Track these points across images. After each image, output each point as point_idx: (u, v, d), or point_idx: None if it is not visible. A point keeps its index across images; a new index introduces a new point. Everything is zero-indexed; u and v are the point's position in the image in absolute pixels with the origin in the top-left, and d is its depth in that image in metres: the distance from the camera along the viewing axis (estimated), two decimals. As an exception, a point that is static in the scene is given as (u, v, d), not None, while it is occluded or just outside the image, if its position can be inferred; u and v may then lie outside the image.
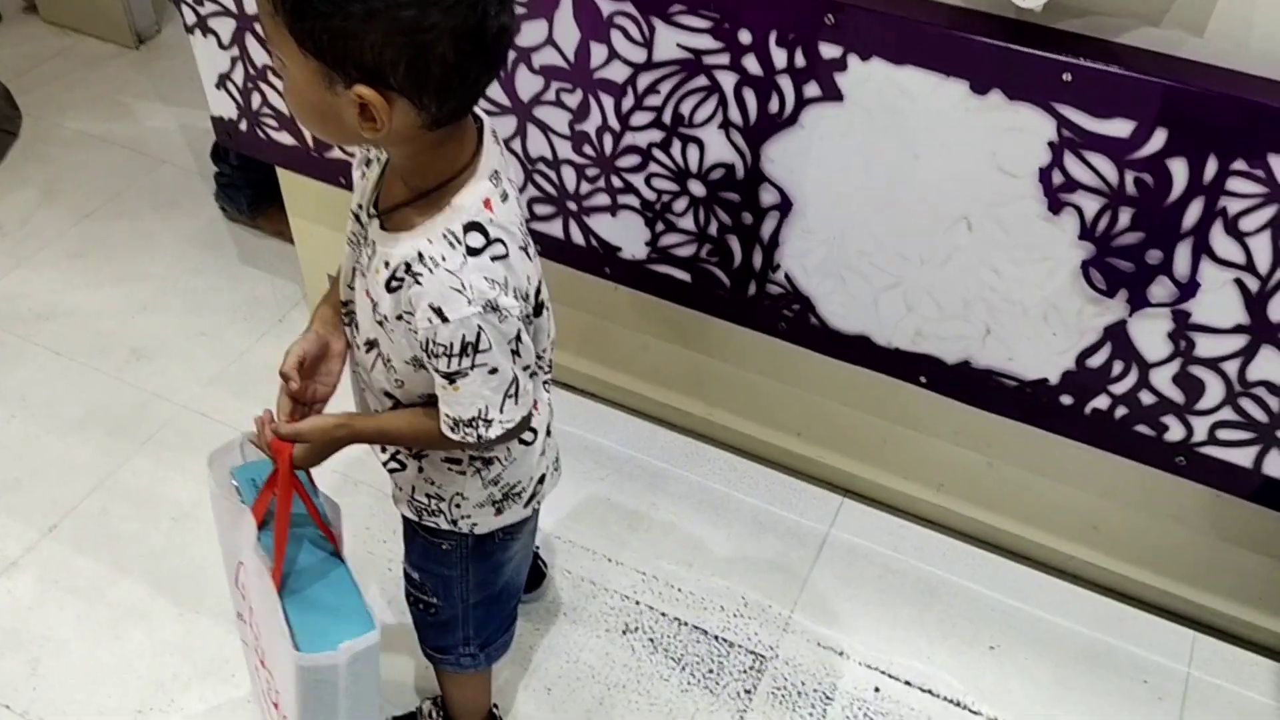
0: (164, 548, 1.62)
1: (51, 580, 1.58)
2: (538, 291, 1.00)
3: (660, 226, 1.41)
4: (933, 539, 1.70)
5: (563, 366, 1.82)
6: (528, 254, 0.96)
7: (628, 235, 1.44)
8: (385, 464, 1.12)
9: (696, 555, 1.66)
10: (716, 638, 1.56)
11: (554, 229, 1.49)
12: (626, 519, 1.70)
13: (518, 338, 0.93)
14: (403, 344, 0.96)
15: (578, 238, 1.48)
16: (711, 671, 1.52)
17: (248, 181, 2.06)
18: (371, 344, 1.01)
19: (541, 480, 1.14)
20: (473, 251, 0.89)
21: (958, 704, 1.50)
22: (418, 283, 0.89)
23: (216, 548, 1.38)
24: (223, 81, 1.58)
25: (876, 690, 1.51)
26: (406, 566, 1.22)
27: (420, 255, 0.89)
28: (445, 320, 0.89)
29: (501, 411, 0.95)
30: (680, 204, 1.38)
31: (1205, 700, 1.51)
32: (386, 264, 0.92)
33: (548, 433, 1.13)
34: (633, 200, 1.40)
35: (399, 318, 0.94)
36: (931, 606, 1.62)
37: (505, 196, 0.93)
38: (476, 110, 0.93)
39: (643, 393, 1.79)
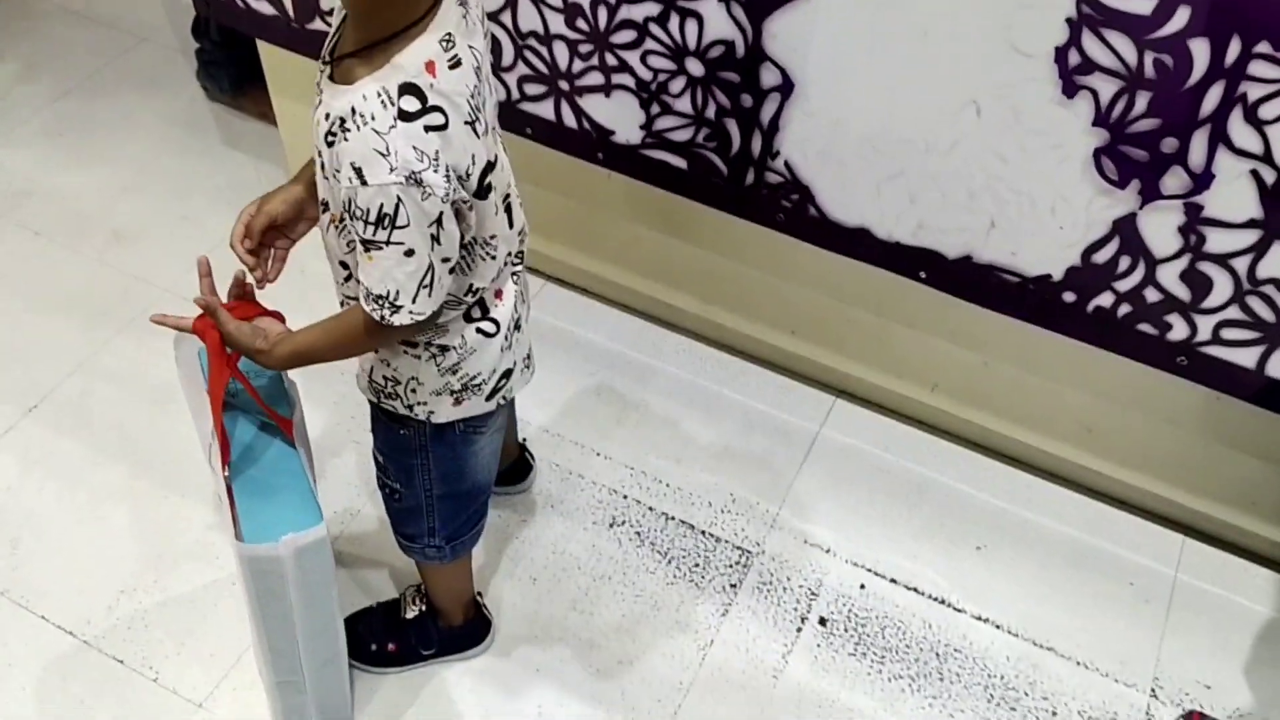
0: (145, 430, 1.60)
1: (32, 461, 1.56)
2: (484, 172, 0.94)
3: (656, 109, 1.36)
4: (924, 440, 1.68)
5: (552, 259, 1.78)
6: (475, 130, 0.91)
7: (622, 117, 1.39)
8: None
9: (685, 451, 1.64)
10: (703, 533, 1.56)
11: (545, 110, 1.44)
12: (615, 414, 1.68)
13: (439, 222, 0.88)
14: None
15: (570, 120, 1.43)
16: (697, 565, 1.52)
17: (229, 59, 1.99)
18: (325, 205, 0.96)
19: (507, 375, 1.11)
20: (405, 116, 0.85)
21: (942, 602, 1.50)
22: (345, 138, 0.85)
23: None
24: (201, -54, 1.51)
25: (862, 587, 1.51)
26: (374, 451, 1.20)
27: (353, 110, 0.85)
28: (365, 183, 0.85)
29: (414, 302, 0.92)
30: (677, 84, 1.32)
31: (1191, 603, 1.51)
32: (326, 116, 0.88)
33: (516, 326, 1.09)
34: (627, 80, 1.35)
35: (337, 173, 0.89)
36: (920, 506, 1.61)
37: (457, 63, 0.88)
38: None
39: (634, 287, 1.75)
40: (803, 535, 1.56)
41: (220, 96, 2.07)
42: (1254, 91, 1.05)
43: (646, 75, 1.33)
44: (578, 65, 1.37)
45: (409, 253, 0.88)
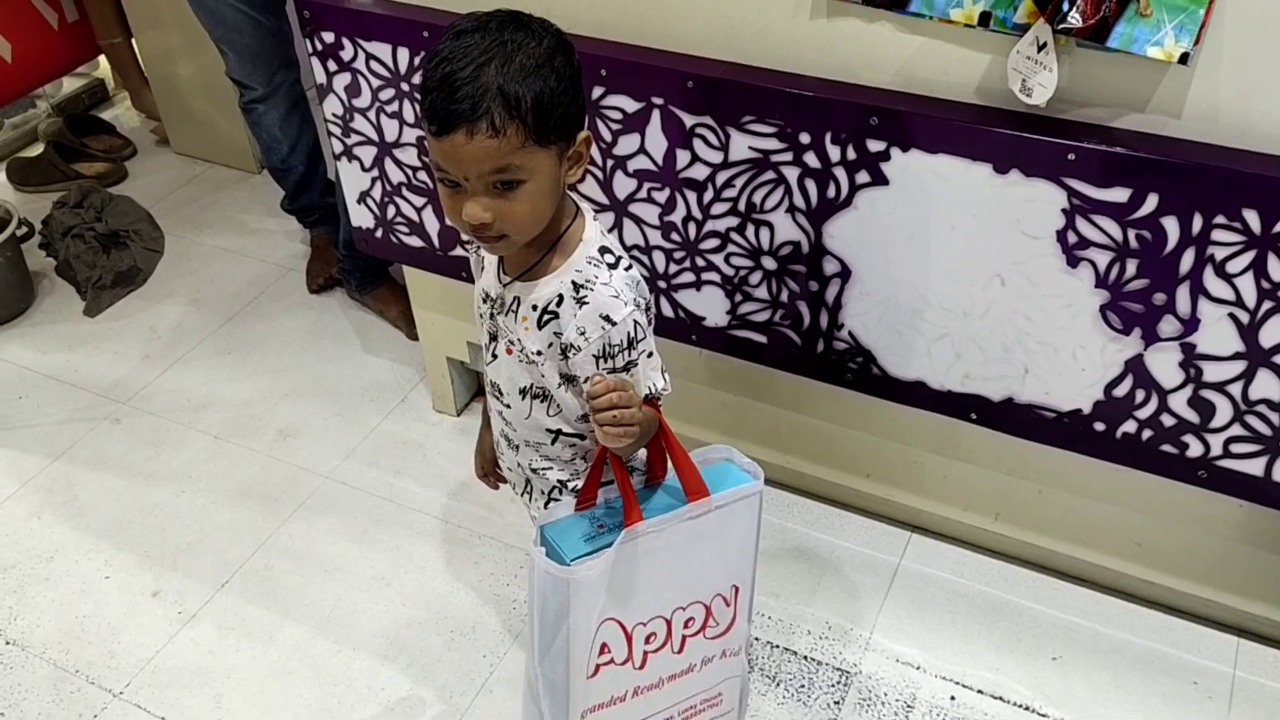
0: (321, 596, 1.88)
1: (228, 628, 1.84)
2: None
3: (739, 297, 1.66)
4: (994, 565, 1.89)
5: (654, 427, 2.06)
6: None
7: (711, 306, 1.70)
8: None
9: (783, 587, 1.87)
10: (805, 657, 1.77)
11: (647, 305, 1.75)
12: (718, 558, 1.92)
13: (650, 328, 1.18)
14: (553, 371, 1.19)
15: (667, 311, 1.74)
16: (803, 687, 1.72)
17: (355, 267, 2.43)
18: (524, 391, 1.25)
19: None
20: (614, 266, 1.16)
21: (1027, 709, 1.69)
22: (584, 303, 1.13)
23: (373, 596, 1.63)
24: (363, 198, 1.88)
25: (952, 698, 1.70)
26: None
27: (575, 285, 1.14)
28: (614, 324, 1.13)
29: (664, 383, 1.20)
30: (755, 277, 1.63)
31: (1251, 697, 1.68)
32: (535, 307, 1.17)
33: None
34: (714, 276, 1.66)
35: (549, 346, 1.17)
36: (997, 624, 1.81)
37: (611, 229, 1.22)
38: None
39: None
40: (894, 655, 1.77)
41: (353, 294, 2.48)
42: (1220, 252, 1.32)
43: (730, 272, 1.65)
44: (673, 268, 1.69)
45: (650, 354, 1.18)
